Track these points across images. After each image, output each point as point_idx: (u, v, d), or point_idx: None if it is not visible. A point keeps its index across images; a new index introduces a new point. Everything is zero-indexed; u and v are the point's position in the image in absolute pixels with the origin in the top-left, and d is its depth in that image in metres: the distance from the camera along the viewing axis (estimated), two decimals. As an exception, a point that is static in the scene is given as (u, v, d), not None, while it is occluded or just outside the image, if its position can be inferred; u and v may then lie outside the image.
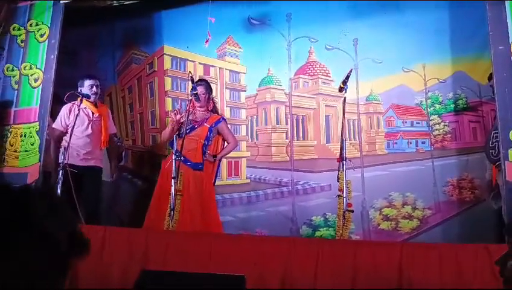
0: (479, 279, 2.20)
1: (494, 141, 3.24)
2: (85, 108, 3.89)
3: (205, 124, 3.79)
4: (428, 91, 4.06)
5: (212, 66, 4.91)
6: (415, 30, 4.08)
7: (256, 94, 4.72)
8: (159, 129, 5.02)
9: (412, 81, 4.11)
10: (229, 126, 4.29)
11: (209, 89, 3.91)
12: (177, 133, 3.74)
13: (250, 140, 4.68)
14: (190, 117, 3.76)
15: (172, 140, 3.52)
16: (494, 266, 2.18)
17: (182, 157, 3.38)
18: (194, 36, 4.84)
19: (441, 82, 4.03)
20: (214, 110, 3.95)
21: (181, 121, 3.76)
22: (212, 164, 3.86)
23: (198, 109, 3.86)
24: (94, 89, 3.89)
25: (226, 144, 3.96)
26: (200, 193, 3.66)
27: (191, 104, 3.80)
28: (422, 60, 4.08)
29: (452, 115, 4.00)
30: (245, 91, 4.79)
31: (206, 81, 4.04)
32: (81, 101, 3.76)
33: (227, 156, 4.33)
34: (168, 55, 5.02)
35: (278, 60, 4.61)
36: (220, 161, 4.02)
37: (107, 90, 5.36)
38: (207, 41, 4.55)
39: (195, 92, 3.61)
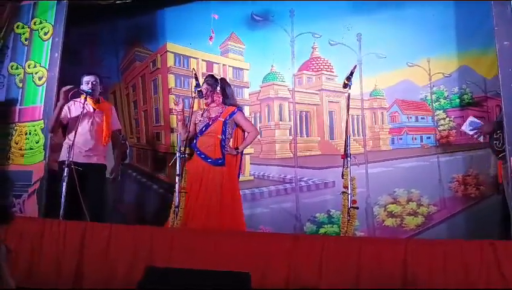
0: (484, 275, 2.18)
1: (498, 132, 3.23)
2: (86, 104, 3.88)
3: (219, 118, 3.70)
4: (433, 86, 4.03)
5: (216, 62, 4.90)
6: (420, 24, 4.06)
7: (260, 91, 4.71)
8: (163, 126, 5.03)
9: (416, 75, 4.09)
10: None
11: (214, 84, 3.78)
12: (187, 124, 3.70)
13: (253, 137, 4.67)
14: (205, 114, 3.73)
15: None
16: (500, 262, 2.18)
17: (185, 155, 3.36)
18: (197, 33, 4.85)
19: (446, 76, 4.00)
20: (229, 103, 3.78)
21: (184, 111, 3.74)
22: (235, 157, 3.77)
23: (210, 105, 3.78)
24: (90, 85, 3.84)
25: (246, 134, 3.83)
26: (220, 189, 3.60)
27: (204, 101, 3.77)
28: (427, 55, 4.05)
29: (457, 110, 3.97)
30: (248, 88, 4.78)
31: (210, 76, 3.96)
32: (85, 99, 3.75)
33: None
34: (171, 52, 5.03)
35: (281, 56, 4.60)
36: (242, 153, 3.90)
37: (112, 88, 5.38)
38: (211, 38, 4.55)
39: (199, 90, 3.60)
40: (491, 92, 3.78)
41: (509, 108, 3.08)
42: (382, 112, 4.26)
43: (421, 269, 2.27)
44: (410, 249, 2.33)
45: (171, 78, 5.01)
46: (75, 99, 3.84)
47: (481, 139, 3.59)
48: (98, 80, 3.90)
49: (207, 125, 3.69)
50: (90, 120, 3.86)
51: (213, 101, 3.76)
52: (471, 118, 3.59)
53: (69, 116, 3.82)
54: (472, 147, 3.87)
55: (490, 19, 3.31)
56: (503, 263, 2.18)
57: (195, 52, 4.95)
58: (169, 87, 5.00)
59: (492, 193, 3.63)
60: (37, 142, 4.14)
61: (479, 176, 3.78)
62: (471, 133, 3.53)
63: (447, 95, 4.02)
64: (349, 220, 2.89)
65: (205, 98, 3.73)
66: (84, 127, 3.82)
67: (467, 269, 2.22)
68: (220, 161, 3.65)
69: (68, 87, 3.68)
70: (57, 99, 4.08)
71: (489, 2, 3.27)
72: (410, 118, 4.17)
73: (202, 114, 3.75)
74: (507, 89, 3.10)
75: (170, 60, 5.02)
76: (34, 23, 4.45)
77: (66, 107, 3.84)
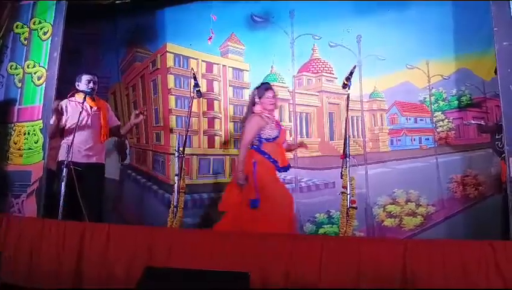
0: (483, 275, 2.18)
1: (500, 132, 3.25)
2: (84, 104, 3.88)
3: (282, 128, 3.77)
4: (432, 88, 4.04)
5: (216, 63, 4.90)
6: (419, 27, 4.06)
7: (260, 92, 4.71)
8: (162, 127, 5.03)
9: (415, 77, 4.10)
10: (234, 124, 4.32)
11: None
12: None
13: (253, 138, 4.67)
14: (272, 123, 3.65)
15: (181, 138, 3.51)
16: (499, 263, 2.18)
17: (184, 155, 3.37)
18: (197, 34, 4.86)
19: (445, 79, 4.01)
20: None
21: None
22: None
23: (271, 112, 3.70)
24: (91, 84, 3.86)
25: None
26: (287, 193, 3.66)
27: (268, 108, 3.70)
28: (426, 57, 4.06)
29: (456, 112, 3.98)
30: (248, 89, 4.78)
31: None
32: (84, 98, 3.75)
33: (231, 153, 4.52)
34: (171, 52, 5.03)
35: (281, 58, 4.60)
36: None
37: (111, 88, 5.38)
38: (210, 38, 4.55)
39: (197, 89, 3.60)
40: (489, 92, 3.79)
41: (507, 109, 3.08)
42: (381, 114, 4.26)
43: (420, 269, 2.27)
44: (409, 249, 2.33)
45: (171, 79, 5.01)
46: (71, 99, 3.84)
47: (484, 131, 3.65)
48: (97, 79, 3.93)
49: (279, 132, 3.68)
50: (89, 119, 3.86)
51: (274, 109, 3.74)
52: (474, 120, 3.74)
53: (66, 116, 3.82)
54: (470, 147, 3.88)
55: (489, 21, 3.32)
56: (502, 264, 2.18)
57: (195, 52, 4.95)
58: (169, 87, 5.00)
59: (491, 193, 3.65)
60: (35, 142, 4.13)
61: (477, 177, 3.79)
62: (474, 123, 3.68)
63: (446, 97, 4.03)
64: (348, 220, 2.89)
65: (271, 104, 3.65)
66: (83, 126, 3.83)
67: (466, 270, 2.22)
68: (286, 168, 3.67)
69: (56, 103, 3.78)
70: (56, 99, 4.09)
71: (488, 4, 3.28)
72: (409, 119, 4.17)
73: (268, 118, 3.67)
74: (506, 90, 3.11)
75: (170, 61, 5.02)
76: (34, 23, 4.45)
77: (62, 107, 3.84)
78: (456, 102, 3.99)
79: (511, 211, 2.93)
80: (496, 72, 3.35)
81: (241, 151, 3.56)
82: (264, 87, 3.71)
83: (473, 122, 3.70)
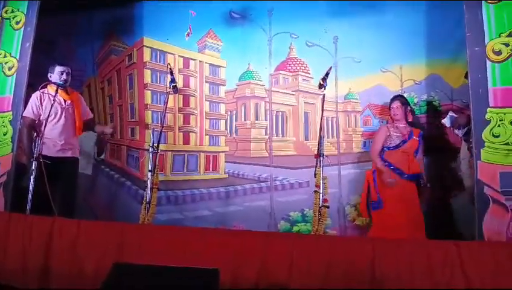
0: (448, 275, 2.26)
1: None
2: (57, 96, 3.79)
3: (414, 137, 3.74)
4: (405, 92, 4.11)
5: (192, 59, 4.86)
6: (394, 31, 4.13)
7: (236, 89, 4.71)
8: (137, 122, 4.96)
9: (389, 81, 4.17)
10: (209, 121, 4.29)
11: (405, 103, 3.82)
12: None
13: (229, 135, 4.67)
14: (396, 133, 3.75)
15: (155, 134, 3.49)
16: (463, 262, 2.26)
17: (158, 151, 3.34)
18: (175, 28, 4.81)
19: (417, 84, 4.10)
20: (411, 124, 3.86)
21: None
22: None
23: (398, 122, 3.79)
24: (64, 76, 3.79)
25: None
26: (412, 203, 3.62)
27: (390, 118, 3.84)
28: (399, 62, 4.13)
29: (425, 117, 4.09)
30: (225, 85, 4.77)
31: (401, 96, 3.93)
32: (56, 91, 3.66)
33: (206, 150, 4.43)
34: (147, 47, 4.96)
35: (259, 55, 4.60)
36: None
37: (86, 81, 5.27)
38: (188, 34, 4.51)
39: (174, 84, 3.58)
40: (456, 100, 3.90)
41: (477, 113, 3.16)
42: (355, 115, 4.32)
43: (388, 268, 2.33)
44: (378, 248, 2.38)
45: (147, 73, 4.94)
46: (43, 91, 3.75)
47: (459, 133, 3.72)
48: (70, 71, 3.84)
49: (404, 142, 3.72)
50: (63, 112, 3.78)
51: (405, 119, 3.79)
52: (450, 113, 3.76)
53: (41, 111, 3.74)
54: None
55: (461, 28, 3.40)
56: (467, 263, 2.25)
57: (172, 47, 4.89)
58: (145, 82, 4.93)
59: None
60: (4, 134, 4.01)
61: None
62: (450, 126, 3.74)
63: (417, 102, 4.12)
64: (320, 218, 2.93)
65: (395, 115, 3.77)
66: (57, 120, 3.75)
67: (432, 269, 2.28)
68: (414, 176, 3.66)
69: (27, 116, 3.75)
70: (27, 91, 3.99)
71: (461, 9, 3.35)
72: (382, 122, 4.24)
73: (393, 128, 3.79)
74: (476, 95, 3.18)
75: (146, 55, 4.95)
76: (6, 12, 4.31)
77: (37, 102, 3.76)
78: (425, 107, 4.08)
79: (477, 211, 3.02)
80: (466, 76, 3.43)
81: (374, 160, 3.75)
82: (392, 97, 3.84)
83: (449, 115, 3.75)
